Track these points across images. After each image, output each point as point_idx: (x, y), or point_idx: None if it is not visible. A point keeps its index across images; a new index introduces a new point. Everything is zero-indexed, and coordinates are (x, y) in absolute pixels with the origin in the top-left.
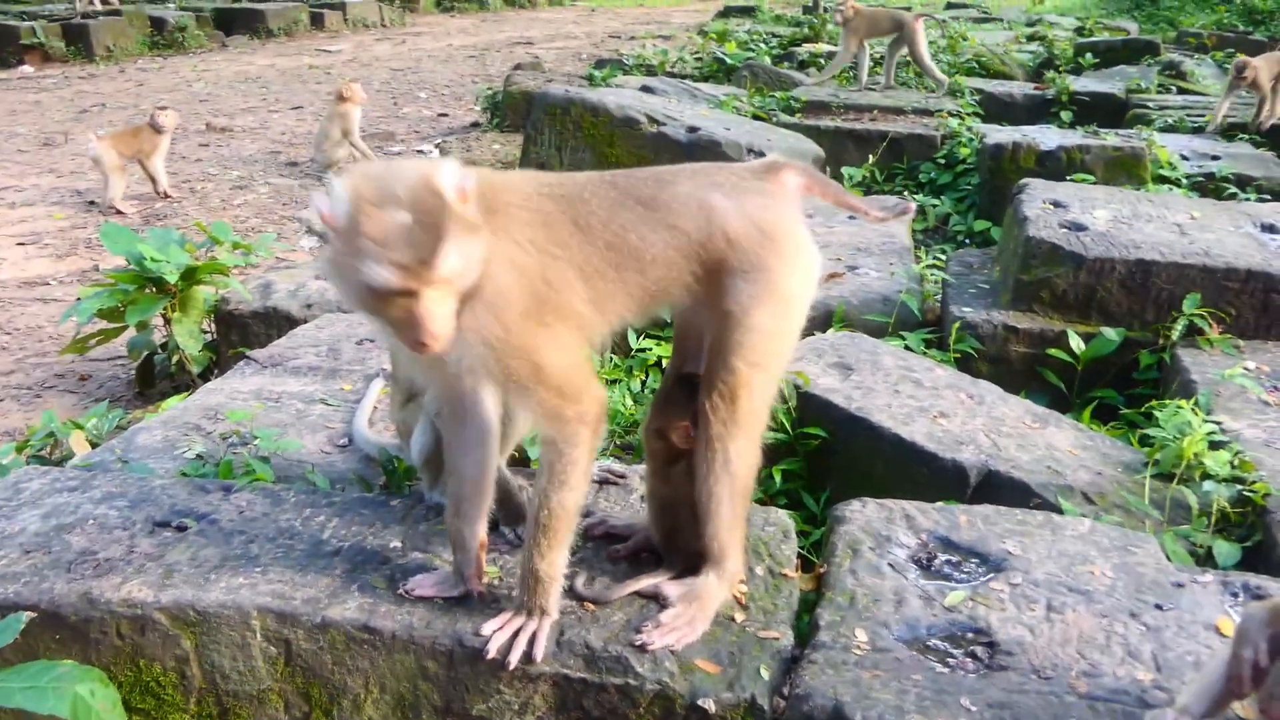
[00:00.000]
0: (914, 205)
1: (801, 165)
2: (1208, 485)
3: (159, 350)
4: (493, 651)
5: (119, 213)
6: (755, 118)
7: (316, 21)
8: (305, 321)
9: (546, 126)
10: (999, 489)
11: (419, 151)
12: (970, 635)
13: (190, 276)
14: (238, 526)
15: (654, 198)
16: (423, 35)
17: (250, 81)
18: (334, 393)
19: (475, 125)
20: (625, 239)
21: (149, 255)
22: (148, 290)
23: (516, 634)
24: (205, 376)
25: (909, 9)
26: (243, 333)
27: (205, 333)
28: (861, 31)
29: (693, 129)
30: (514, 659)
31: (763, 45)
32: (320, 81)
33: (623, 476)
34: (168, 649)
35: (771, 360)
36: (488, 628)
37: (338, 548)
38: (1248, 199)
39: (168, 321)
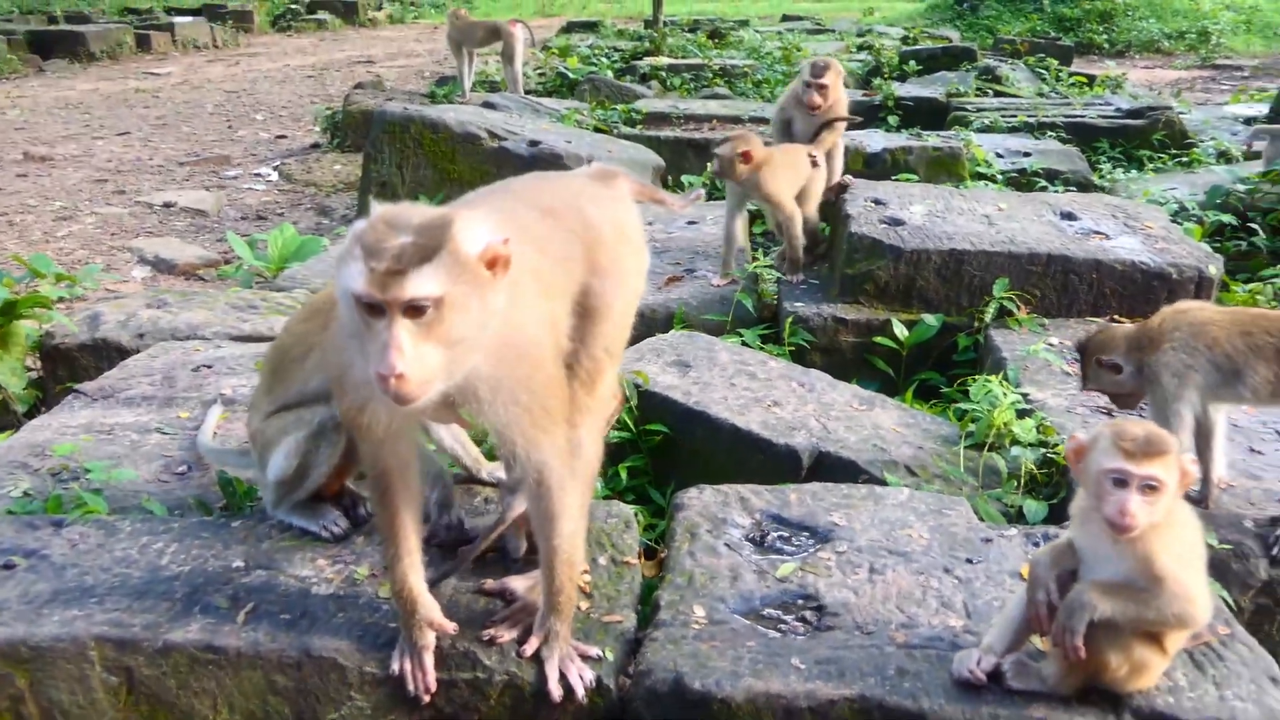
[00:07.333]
0: (703, 190)
1: (624, 170)
2: (1016, 450)
3: None
4: None
5: None
6: (597, 130)
7: (143, 44)
8: (137, 352)
9: (386, 145)
10: (830, 468)
11: (256, 174)
12: (800, 601)
13: (9, 311)
14: (70, 560)
15: (552, 208)
16: (259, 56)
17: (71, 108)
18: (170, 421)
19: (315, 146)
20: (564, 251)
21: None
22: None
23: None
24: (32, 415)
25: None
26: (71, 367)
27: (30, 369)
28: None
29: (534, 143)
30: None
31: (605, 60)
32: (148, 106)
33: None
34: (1, 690)
35: (621, 348)
36: None
37: (177, 572)
38: (1055, 190)
39: None
